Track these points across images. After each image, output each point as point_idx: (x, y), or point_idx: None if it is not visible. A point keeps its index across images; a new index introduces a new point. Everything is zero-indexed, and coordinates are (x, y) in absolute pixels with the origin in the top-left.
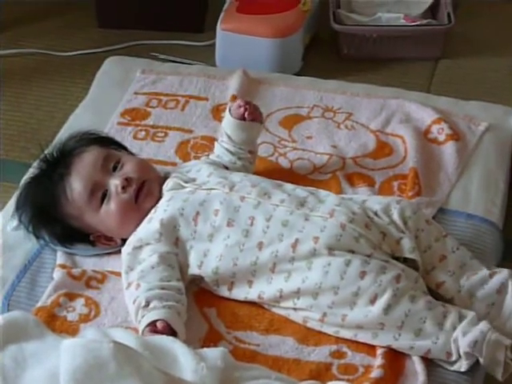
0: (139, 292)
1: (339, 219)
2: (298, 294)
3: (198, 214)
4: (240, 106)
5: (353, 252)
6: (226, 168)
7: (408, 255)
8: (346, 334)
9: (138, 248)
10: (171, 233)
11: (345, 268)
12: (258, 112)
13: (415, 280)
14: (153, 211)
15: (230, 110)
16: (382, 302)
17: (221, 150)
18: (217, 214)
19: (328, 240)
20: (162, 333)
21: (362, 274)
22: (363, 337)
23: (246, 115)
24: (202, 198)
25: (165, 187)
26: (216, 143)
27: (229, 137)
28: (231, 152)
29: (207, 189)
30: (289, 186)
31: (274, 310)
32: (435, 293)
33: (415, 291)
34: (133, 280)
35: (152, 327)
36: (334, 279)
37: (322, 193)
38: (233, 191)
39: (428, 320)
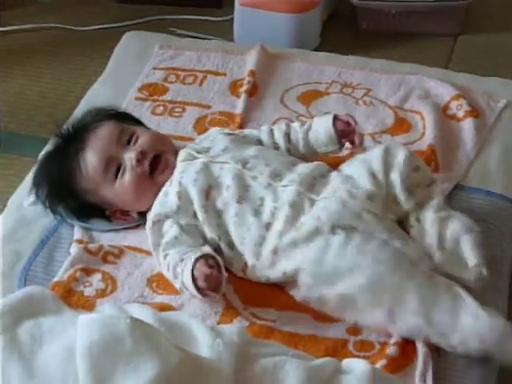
0: (169, 258)
1: (341, 196)
2: (299, 272)
3: (210, 187)
4: (350, 127)
5: (354, 228)
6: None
7: (406, 207)
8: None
9: (157, 222)
10: (188, 205)
11: (345, 244)
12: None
13: (419, 258)
14: (168, 183)
15: (335, 118)
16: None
17: (279, 130)
18: (228, 190)
19: (329, 217)
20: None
21: (361, 250)
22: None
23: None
24: (216, 171)
25: (178, 158)
26: (265, 127)
27: (307, 132)
28: (289, 140)
29: (220, 162)
30: (302, 165)
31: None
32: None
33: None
34: (162, 253)
35: (203, 260)
36: (333, 256)
37: (332, 174)
38: (245, 169)
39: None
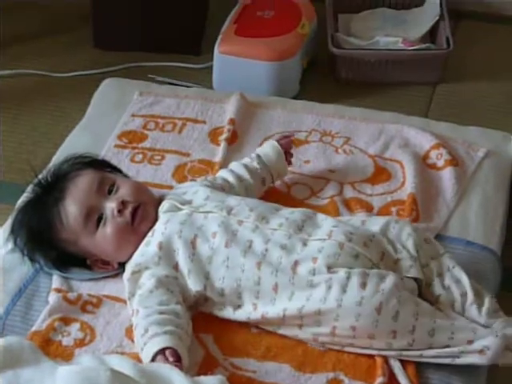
0: (138, 319)
1: (337, 239)
2: (301, 312)
3: (196, 236)
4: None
5: (352, 268)
6: (223, 190)
7: (406, 274)
8: (361, 344)
9: (136, 273)
10: (170, 256)
11: (346, 281)
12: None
13: (411, 290)
14: (150, 234)
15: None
16: (388, 310)
17: (237, 169)
18: (215, 237)
19: (327, 259)
20: (173, 361)
21: (363, 285)
22: (379, 345)
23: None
24: (200, 221)
25: (161, 209)
26: (222, 170)
27: (259, 156)
28: (249, 168)
29: (204, 212)
30: (286, 210)
31: (281, 331)
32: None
33: (416, 298)
34: (134, 306)
35: (162, 356)
36: (336, 293)
37: (319, 216)
38: (230, 215)
39: (438, 319)
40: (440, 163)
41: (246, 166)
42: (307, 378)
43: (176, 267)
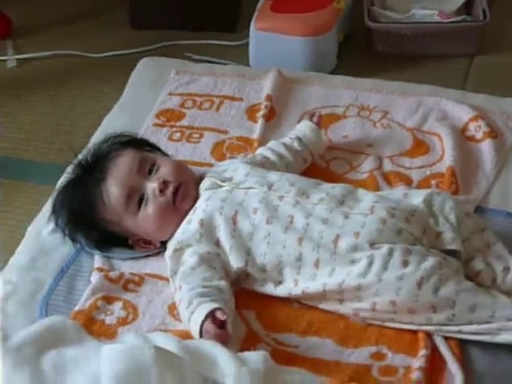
0: (182, 293)
1: (379, 214)
2: (341, 286)
3: (236, 212)
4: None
5: (394, 244)
6: (263, 167)
7: (449, 247)
8: (402, 319)
9: (178, 250)
10: (211, 233)
11: (387, 257)
12: None
13: (456, 269)
14: (191, 212)
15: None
16: (429, 285)
17: (277, 147)
18: (256, 213)
19: (369, 235)
20: (223, 322)
21: (405, 262)
22: (419, 320)
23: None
24: (241, 197)
25: (201, 186)
26: (261, 148)
27: (299, 138)
28: (290, 148)
29: (245, 188)
30: (327, 185)
31: (322, 306)
32: (474, 283)
33: (459, 276)
34: (177, 283)
35: (211, 320)
36: (377, 269)
37: (360, 191)
38: (271, 190)
39: (480, 296)
40: (479, 135)
41: (285, 145)
42: (350, 352)
43: (218, 243)
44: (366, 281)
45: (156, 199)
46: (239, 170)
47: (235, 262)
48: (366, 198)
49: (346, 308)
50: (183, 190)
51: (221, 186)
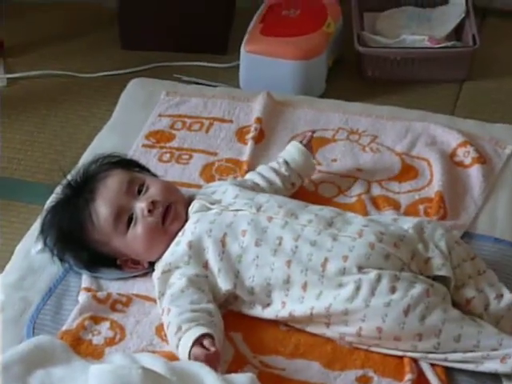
0: (170, 317)
1: (368, 239)
2: (329, 310)
3: (225, 235)
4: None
5: (382, 269)
6: (253, 190)
7: (437, 272)
8: (387, 345)
9: (166, 272)
10: (200, 255)
11: (375, 284)
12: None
13: (443, 296)
14: (180, 234)
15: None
16: (416, 314)
17: (267, 173)
18: (244, 235)
19: (357, 259)
20: (213, 350)
21: (393, 289)
22: (404, 347)
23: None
24: (229, 219)
25: (191, 209)
26: (250, 172)
27: (287, 162)
28: (278, 173)
29: (234, 210)
30: (315, 207)
31: (308, 329)
32: (464, 310)
33: (446, 304)
34: (164, 305)
35: (199, 347)
36: (365, 294)
37: (349, 214)
38: (260, 212)
39: (465, 326)
40: (467, 161)
41: (274, 170)
42: (336, 375)
43: (206, 266)
44: (352, 306)
45: (145, 219)
46: (228, 192)
47: (224, 285)
48: (355, 220)
49: (333, 332)
50: (172, 211)
51: (210, 209)
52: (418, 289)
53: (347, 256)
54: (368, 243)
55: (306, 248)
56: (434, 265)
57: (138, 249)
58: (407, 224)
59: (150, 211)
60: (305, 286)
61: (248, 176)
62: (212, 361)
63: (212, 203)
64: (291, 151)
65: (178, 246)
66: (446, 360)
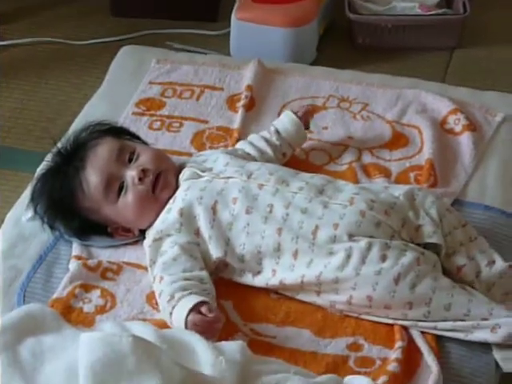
0: (163, 285)
1: (359, 206)
2: (319, 279)
3: (216, 202)
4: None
5: (373, 237)
6: (243, 159)
7: (428, 240)
8: (377, 313)
9: (158, 240)
10: (191, 222)
11: (366, 252)
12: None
13: (433, 264)
14: (171, 201)
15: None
16: (406, 282)
17: (258, 143)
18: (235, 202)
19: (348, 227)
20: (208, 314)
21: (384, 257)
22: (394, 315)
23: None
24: (220, 186)
25: (181, 177)
26: (240, 142)
27: (278, 132)
28: (269, 142)
29: (225, 177)
30: (306, 174)
31: (299, 297)
32: (455, 278)
33: (436, 273)
34: (156, 273)
35: (195, 313)
36: (355, 262)
37: (340, 182)
38: (251, 179)
39: (455, 294)
40: (458, 128)
41: (266, 140)
42: (327, 342)
43: (197, 233)
44: (343, 274)
45: (135, 187)
46: (219, 160)
47: (214, 252)
48: (346, 188)
49: (323, 300)
50: (163, 179)
51: (200, 176)
52: (408, 257)
53: (338, 224)
54: (359, 211)
55: (296, 216)
56: (425, 232)
57: (129, 217)
58: (398, 191)
59: (140, 179)
60: (295, 254)
61: (239, 145)
62: (212, 327)
63: (203, 171)
64: (284, 121)
65: (169, 214)
66: (435, 328)
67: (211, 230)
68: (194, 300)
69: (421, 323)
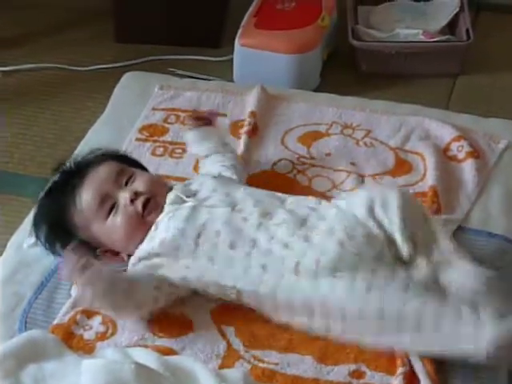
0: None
1: (339, 237)
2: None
3: (199, 235)
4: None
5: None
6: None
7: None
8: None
9: (136, 264)
10: (171, 252)
11: (350, 286)
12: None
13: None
14: (153, 228)
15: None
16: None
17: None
18: (219, 236)
19: (330, 263)
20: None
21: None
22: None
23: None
24: (204, 217)
25: (167, 200)
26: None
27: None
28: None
29: (208, 206)
30: (291, 200)
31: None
32: None
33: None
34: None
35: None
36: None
37: (324, 206)
38: (235, 211)
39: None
40: (461, 155)
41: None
42: (329, 369)
43: (177, 261)
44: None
45: (126, 209)
46: (206, 184)
47: (193, 282)
48: (329, 213)
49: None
50: (153, 203)
51: (184, 202)
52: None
53: (319, 259)
54: (337, 241)
55: (278, 251)
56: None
57: (116, 237)
58: (359, 209)
59: (132, 201)
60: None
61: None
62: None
63: (187, 195)
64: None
65: (152, 242)
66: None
67: (193, 262)
68: None
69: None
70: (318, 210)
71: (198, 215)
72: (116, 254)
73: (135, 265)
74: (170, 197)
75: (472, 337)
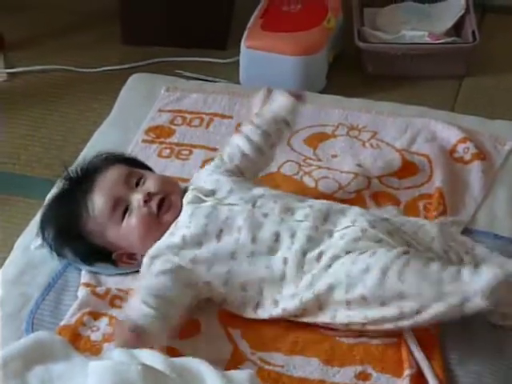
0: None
1: (361, 225)
2: (314, 293)
3: (221, 230)
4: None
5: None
6: (241, 172)
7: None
8: (375, 315)
9: (154, 257)
10: (191, 249)
11: (356, 257)
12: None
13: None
14: (173, 225)
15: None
16: (394, 271)
17: (241, 140)
18: (240, 231)
19: (346, 245)
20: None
21: (373, 254)
22: (392, 312)
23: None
24: (225, 214)
25: (184, 200)
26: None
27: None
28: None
29: (229, 204)
30: (310, 201)
31: (304, 319)
32: None
33: (425, 259)
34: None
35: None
36: (347, 267)
37: (345, 206)
38: (255, 207)
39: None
40: (467, 157)
41: (249, 140)
42: (335, 371)
43: (194, 260)
44: (335, 279)
45: (140, 210)
46: (221, 183)
47: (217, 280)
48: (351, 211)
49: (326, 316)
50: (168, 202)
51: (203, 201)
52: (394, 252)
53: (338, 245)
54: (360, 229)
55: (302, 243)
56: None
57: (133, 239)
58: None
59: (145, 202)
60: (299, 282)
61: (236, 140)
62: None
63: (206, 195)
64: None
65: (172, 237)
66: (435, 317)
67: (213, 258)
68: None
69: (418, 316)
70: (337, 208)
71: (219, 213)
72: (132, 256)
73: (150, 266)
74: (188, 196)
75: (471, 282)
